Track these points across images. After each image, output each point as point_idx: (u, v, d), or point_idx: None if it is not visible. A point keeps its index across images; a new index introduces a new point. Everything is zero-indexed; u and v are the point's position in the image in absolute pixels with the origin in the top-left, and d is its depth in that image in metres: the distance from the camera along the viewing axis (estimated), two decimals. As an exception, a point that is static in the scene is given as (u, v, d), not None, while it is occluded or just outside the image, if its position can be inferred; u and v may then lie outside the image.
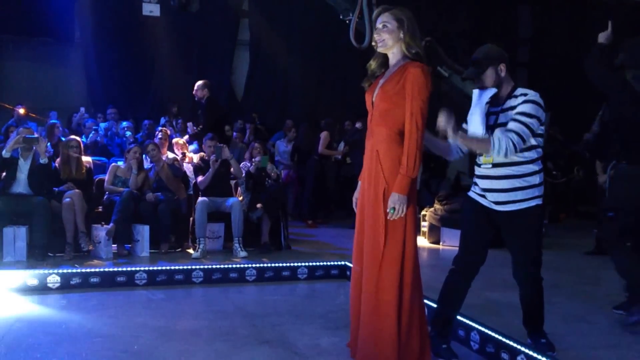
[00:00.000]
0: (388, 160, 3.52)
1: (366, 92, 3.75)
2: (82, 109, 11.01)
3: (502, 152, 3.65)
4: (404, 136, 3.50)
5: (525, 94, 3.76)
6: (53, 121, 9.36)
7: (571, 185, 12.45)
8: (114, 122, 10.71)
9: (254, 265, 6.13)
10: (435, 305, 4.25)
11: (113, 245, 7.07)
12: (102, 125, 10.58)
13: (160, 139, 8.51)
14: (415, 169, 3.43)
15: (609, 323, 4.78)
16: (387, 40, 3.58)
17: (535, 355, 3.48)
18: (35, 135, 7.20)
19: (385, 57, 3.70)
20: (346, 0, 6.66)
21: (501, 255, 7.88)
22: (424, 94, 3.44)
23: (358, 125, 11.04)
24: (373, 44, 3.67)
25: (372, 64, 3.77)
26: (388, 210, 3.45)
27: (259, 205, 7.52)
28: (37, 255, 6.63)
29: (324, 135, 10.97)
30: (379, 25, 3.61)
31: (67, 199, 6.83)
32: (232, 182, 8.07)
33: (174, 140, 9.14)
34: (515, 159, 3.75)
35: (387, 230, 3.49)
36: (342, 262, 6.33)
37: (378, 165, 3.55)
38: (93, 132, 9.72)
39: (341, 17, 6.75)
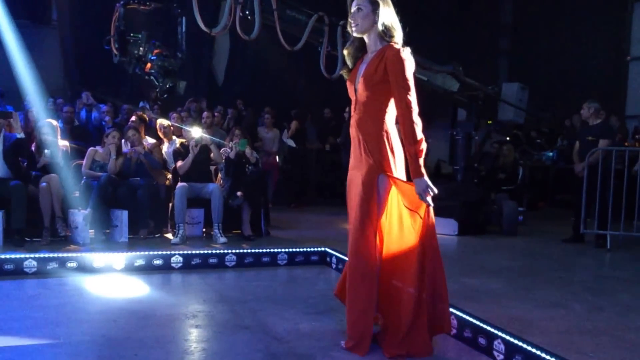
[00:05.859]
0: (374, 148, 3.49)
1: (347, 80, 3.69)
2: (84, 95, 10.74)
3: None
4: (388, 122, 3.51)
5: None
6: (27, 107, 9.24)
7: (550, 171, 12.58)
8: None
9: (233, 251, 6.12)
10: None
11: (90, 231, 6.98)
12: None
13: (135, 122, 8.27)
14: (420, 146, 3.35)
15: (584, 308, 4.83)
16: (362, 24, 3.51)
17: (511, 339, 3.50)
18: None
19: (361, 41, 3.64)
20: (316, 32, 6.67)
21: (479, 243, 8.04)
22: (405, 76, 3.38)
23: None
24: (348, 28, 3.61)
25: (347, 51, 3.71)
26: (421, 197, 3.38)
27: (239, 193, 7.47)
28: (15, 240, 6.56)
29: (293, 124, 11.10)
30: (353, 8, 3.53)
31: (44, 184, 6.74)
32: (212, 168, 8.01)
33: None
34: None
35: (370, 216, 3.49)
36: (322, 248, 6.34)
37: (366, 154, 3.51)
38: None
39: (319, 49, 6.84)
